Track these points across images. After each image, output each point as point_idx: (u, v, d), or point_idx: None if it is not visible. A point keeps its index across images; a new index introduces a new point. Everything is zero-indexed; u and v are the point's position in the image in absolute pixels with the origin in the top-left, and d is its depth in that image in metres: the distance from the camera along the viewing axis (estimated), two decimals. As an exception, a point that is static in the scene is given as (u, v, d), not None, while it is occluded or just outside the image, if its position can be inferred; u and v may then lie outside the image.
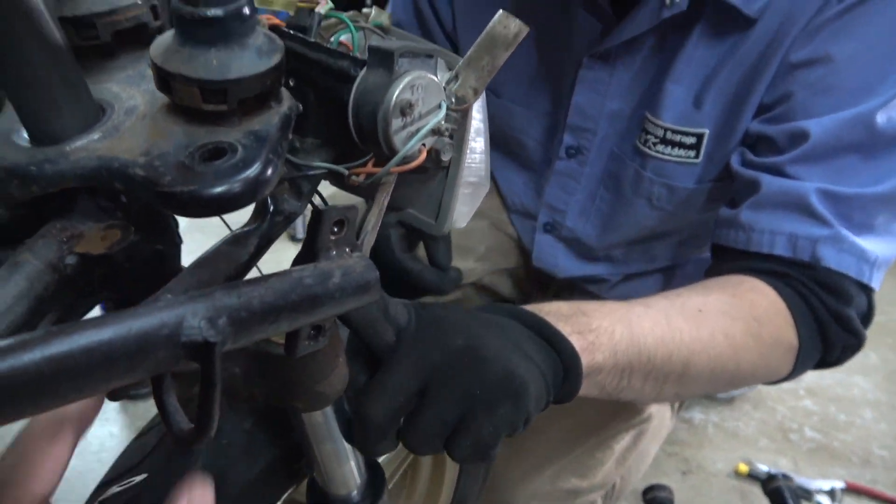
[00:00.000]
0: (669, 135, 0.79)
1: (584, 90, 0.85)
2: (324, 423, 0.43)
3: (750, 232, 0.71)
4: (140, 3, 0.39)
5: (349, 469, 0.48)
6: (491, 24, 0.38)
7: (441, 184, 0.47)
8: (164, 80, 0.32)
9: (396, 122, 0.35)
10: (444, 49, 0.42)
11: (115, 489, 0.44)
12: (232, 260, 0.37)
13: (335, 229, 0.32)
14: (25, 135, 0.33)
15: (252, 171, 0.31)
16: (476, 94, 0.40)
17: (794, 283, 0.68)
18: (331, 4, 0.44)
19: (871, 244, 0.67)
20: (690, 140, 0.79)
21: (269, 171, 0.31)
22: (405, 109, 0.35)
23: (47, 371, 0.21)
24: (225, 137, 0.32)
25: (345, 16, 0.42)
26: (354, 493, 0.49)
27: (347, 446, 0.46)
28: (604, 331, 0.55)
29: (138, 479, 0.46)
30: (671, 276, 1.02)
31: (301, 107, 0.41)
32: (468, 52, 0.39)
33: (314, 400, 0.40)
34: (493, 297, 1.07)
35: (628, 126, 0.85)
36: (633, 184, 0.86)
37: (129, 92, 0.36)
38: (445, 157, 0.44)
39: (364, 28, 0.44)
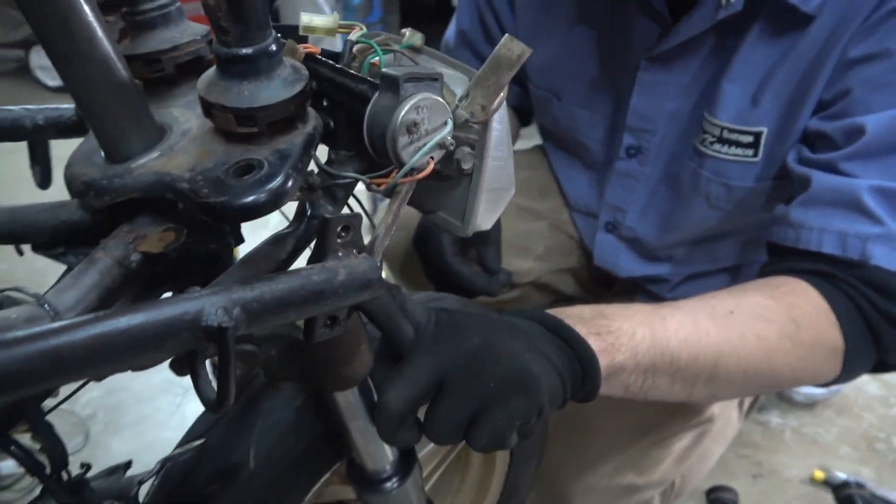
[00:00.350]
0: (726, 133, 0.79)
1: (642, 92, 0.86)
2: (353, 403, 0.49)
3: (799, 229, 0.70)
4: (199, 38, 0.46)
5: (380, 447, 0.53)
6: (497, 47, 0.42)
7: (466, 190, 0.51)
8: (207, 108, 0.38)
9: (403, 140, 0.39)
10: (468, 66, 0.46)
11: (177, 451, 0.51)
12: (272, 258, 0.43)
13: (342, 234, 0.37)
14: (103, 154, 0.41)
15: (274, 185, 0.36)
16: (484, 109, 0.43)
17: (840, 283, 0.66)
18: (364, 31, 0.49)
19: None
20: (748, 139, 0.78)
21: (289, 184, 0.37)
22: (410, 128, 0.39)
23: (95, 345, 0.28)
24: (255, 155, 0.38)
25: (373, 41, 0.47)
26: (387, 468, 0.54)
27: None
28: (624, 332, 0.57)
29: (196, 443, 0.53)
30: (736, 276, 1.00)
31: (332, 123, 0.46)
32: (477, 73, 0.43)
33: (340, 381, 0.45)
34: (554, 296, 1.09)
35: (688, 126, 0.85)
36: (691, 183, 0.86)
37: (187, 115, 0.43)
38: (466, 166, 0.48)
39: (394, 51, 0.48)
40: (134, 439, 1.22)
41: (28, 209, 0.46)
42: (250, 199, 0.36)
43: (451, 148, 0.41)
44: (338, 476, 0.63)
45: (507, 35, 0.42)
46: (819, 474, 1.15)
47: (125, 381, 1.37)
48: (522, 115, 1.09)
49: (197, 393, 0.33)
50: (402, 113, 0.38)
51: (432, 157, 0.41)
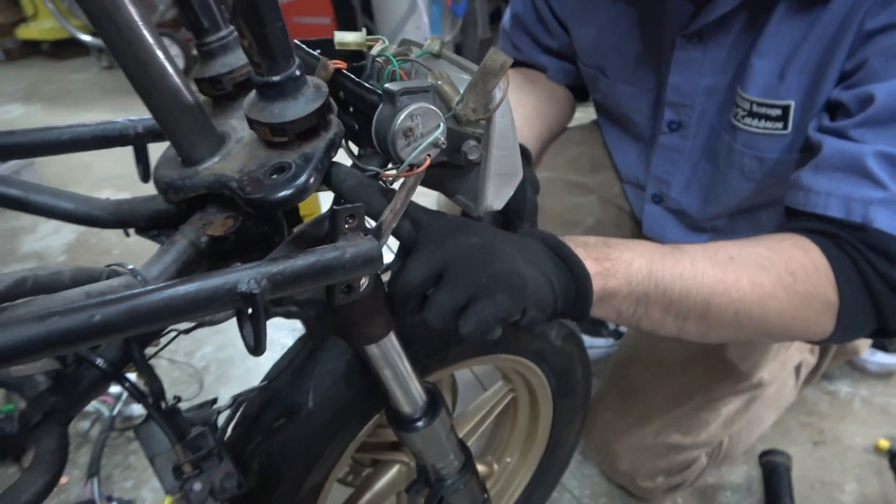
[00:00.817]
0: (756, 107, 0.81)
1: (679, 69, 0.89)
2: (380, 354, 0.59)
3: (808, 193, 0.71)
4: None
5: (409, 391, 0.63)
6: (485, 58, 0.49)
7: (477, 176, 0.60)
8: (249, 123, 0.49)
9: (401, 142, 0.48)
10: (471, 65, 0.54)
11: (247, 390, 0.64)
12: (313, 236, 0.54)
13: (348, 220, 0.47)
14: (179, 160, 0.53)
15: (299, 182, 0.47)
16: (475, 111, 0.52)
17: (843, 244, 0.68)
18: (385, 45, 0.58)
19: None
20: (776, 112, 0.80)
21: (311, 181, 0.47)
22: (407, 132, 0.48)
23: (166, 304, 0.39)
24: (286, 159, 0.48)
25: (390, 54, 0.56)
26: (417, 411, 0.65)
27: (404, 373, 0.61)
28: (622, 262, 0.62)
29: (260, 384, 0.66)
30: None
31: (356, 126, 0.56)
32: (469, 80, 0.51)
33: (362, 338, 0.56)
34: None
35: (724, 102, 0.88)
36: (726, 156, 0.89)
37: (242, 125, 0.54)
38: (473, 157, 0.57)
39: (411, 60, 0.57)
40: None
41: (130, 202, 0.60)
42: (280, 194, 0.46)
43: (444, 146, 0.50)
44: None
45: (492, 48, 0.49)
46: (884, 443, 1.14)
47: (234, 339, 1.56)
48: (577, 91, 1.14)
49: (243, 341, 0.45)
50: (399, 121, 0.48)
51: (429, 155, 0.50)
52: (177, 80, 0.48)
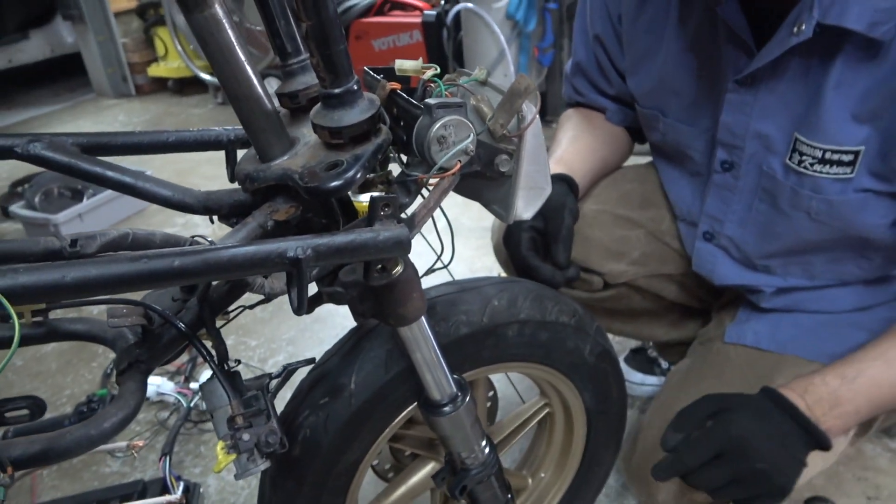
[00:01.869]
0: (828, 154, 0.85)
1: (730, 111, 0.94)
2: (412, 338, 0.66)
3: None
4: (323, 80, 0.68)
5: (438, 377, 0.70)
6: (513, 82, 0.58)
7: (509, 188, 0.68)
8: (314, 127, 0.59)
9: (435, 148, 0.57)
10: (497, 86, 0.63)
11: (295, 362, 0.73)
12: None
13: (384, 209, 0.55)
14: (258, 156, 0.63)
15: (348, 175, 0.56)
16: (503, 126, 0.60)
17: None
18: (436, 70, 0.67)
19: None
20: (848, 158, 0.84)
21: (359, 175, 0.56)
22: (441, 140, 0.57)
23: (231, 258, 0.49)
24: (340, 157, 0.58)
25: (438, 80, 0.65)
26: (445, 398, 0.71)
27: (434, 358, 0.68)
28: (854, 414, 0.83)
29: (307, 358, 0.75)
30: (834, 295, 1.02)
31: (405, 137, 0.66)
32: (500, 100, 0.60)
33: (397, 318, 0.64)
34: (655, 300, 1.18)
35: (776, 146, 0.91)
36: (791, 200, 0.92)
37: (310, 132, 0.64)
38: (504, 169, 0.65)
39: (457, 85, 0.66)
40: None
41: (217, 193, 0.71)
42: (332, 184, 0.56)
43: (472, 153, 0.58)
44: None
45: (519, 73, 0.58)
46: (944, 505, 1.09)
47: (304, 351, 1.68)
48: (634, 133, 1.20)
49: (290, 301, 0.54)
50: (434, 129, 0.57)
51: (460, 161, 0.59)
52: (260, 90, 0.59)
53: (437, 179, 0.62)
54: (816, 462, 1.11)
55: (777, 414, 0.82)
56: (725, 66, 0.93)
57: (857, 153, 0.83)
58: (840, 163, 0.84)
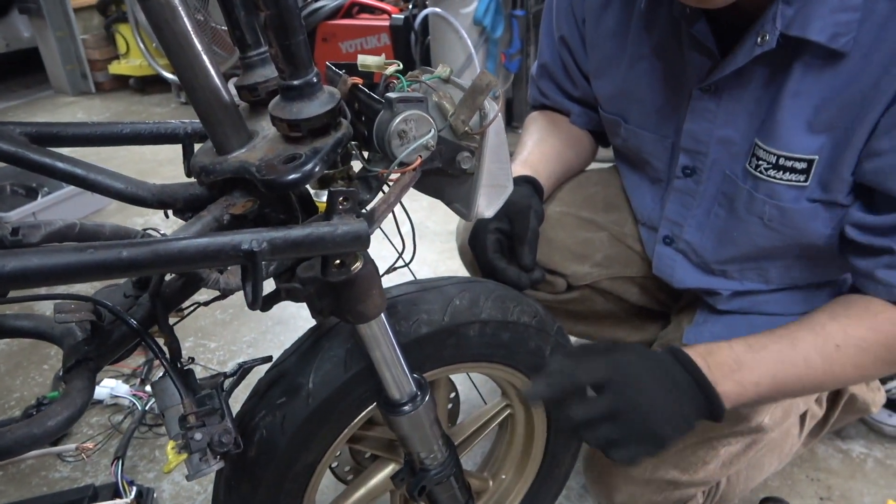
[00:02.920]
0: (782, 161, 0.86)
1: (694, 118, 0.95)
2: (371, 335, 0.65)
3: (890, 287, 0.82)
4: (284, 74, 0.67)
5: (397, 376, 0.69)
6: (474, 78, 0.58)
7: (471, 185, 0.67)
8: (273, 119, 0.58)
9: (395, 143, 0.57)
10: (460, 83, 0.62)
11: (250, 360, 0.72)
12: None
13: (343, 202, 0.55)
14: (214, 149, 0.62)
15: (306, 168, 0.55)
16: (464, 122, 0.59)
17: None
18: (399, 67, 0.67)
19: None
20: (802, 165, 0.85)
21: (317, 169, 0.55)
22: (401, 134, 0.56)
23: (183, 250, 0.48)
24: (299, 150, 0.57)
25: (401, 76, 0.65)
26: (405, 397, 0.71)
27: (393, 357, 0.67)
28: (753, 385, 0.79)
29: (265, 357, 0.73)
30: (790, 298, 1.04)
31: (366, 133, 0.65)
32: (462, 97, 0.59)
33: (357, 315, 0.63)
34: (618, 302, 1.19)
35: (738, 151, 0.93)
36: (746, 204, 0.93)
37: (270, 126, 0.63)
38: (466, 166, 0.65)
39: (420, 81, 0.66)
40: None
41: (172, 186, 0.70)
42: (289, 177, 0.55)
43: (433, 149, 0.58)
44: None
45: (481, 70, 0.58)
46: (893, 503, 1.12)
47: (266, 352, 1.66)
48: (599, 137, 1.21)
49: (245, 296, 0.53)
50: (395, 123, 0.56)
51: (420, 156, 0.58)
52: (217, 81, 0.58)
53: (397, 175, 0.61)
54: (772, 462, 1.14)
55: (675, 366, 0.78)
56: (689, 73, 0.94)
57: (810, 162, 0.85)
58: (794, 170, 0.86)
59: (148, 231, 0.57)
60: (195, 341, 1.73)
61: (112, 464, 1.18)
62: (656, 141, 1.05)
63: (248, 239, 0.50)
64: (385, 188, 0.66)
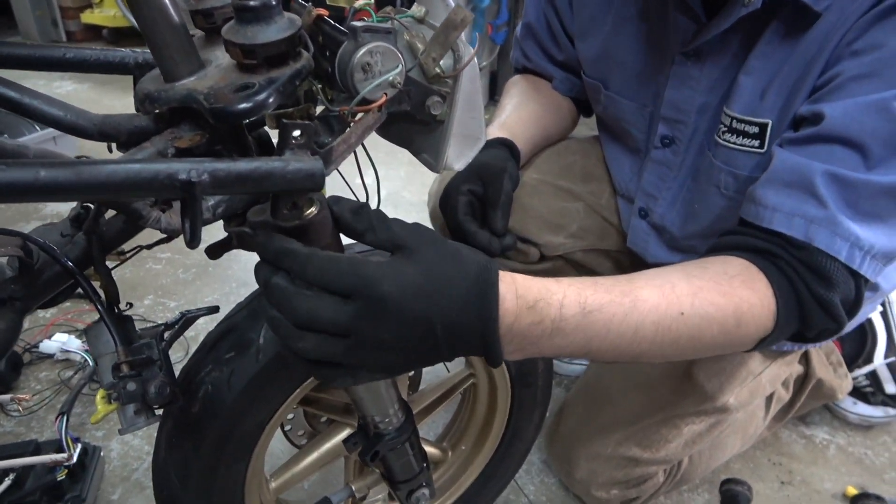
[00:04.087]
0: (735, 124, 0.83)
1: (675, 84, 0.92)
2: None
3: (758, 205, 0.73)
4: (243, 0, 0.61)
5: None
6: (448, 13, 0.53)
7: (441, 135, 0.63)
8: (226, 45, 0.53)
9: (359, 76, 0.52)
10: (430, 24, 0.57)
11: (195, 309, 0.67)
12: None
13: (296, 137, 0.50)
14: (161, 76, 0.57)
15: (258, 98, 0.50)
16: (435, 62, 0.55)
17: (783, 265, 0.69)
18: (369, 1, 0.62)
19: (870, 233, 0.66)
20: (754, 129, 0.82)
21: (270, 100, 0.50)
22: (365, 67, 0.52)
23: (113, 175, 0.43)
24: (252, 80, 0.52)
25: (370, 9, 0.60)
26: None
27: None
28: (556, 350, 0.60)
29: (210, 307, 0.69)
30: None
31: (330, 69, 0.60)
32: (433, 33, 0.55)
33: (309, 265, 0.58)
34: (588, 273, 1.16)
35: (714, 120, 0.90)
36: (706, 172, 0.91)
37: (224, 55, 0.58)
38: (436, 112, 0.60)
39: (391, 18, 0.61)
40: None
41: (115, 117, 0.64)
42: (239, 106, 0.50)
43: (399, 86, 0.53)
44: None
45: (455, 3, 0.53)
46: (852, 490, 1.11)
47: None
48: (581, 105, 1.17)
49: (183, 234, 0.48)
50: (359, 55, 0.51)
51: (385, 94, 0.53)
52: (168, 5, 0.52)
53: (360, 116, 0.56)
54: (735, 443, 1.13)
55: (471, 294, 0.54)
56: (673, 37, 0.91)
57: (763, 126, 0.81)
58: (746, 134, 0.83)
59: (83, 157, 0.52)
60: (154, 299, 1.67)
61: (56, 419, 1.13)
62: (635, 110, 1.01)
63: (187, 168, 0.45)
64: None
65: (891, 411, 1.26)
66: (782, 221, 0.69)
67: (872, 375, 1.27)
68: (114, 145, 0.64)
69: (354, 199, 0.74)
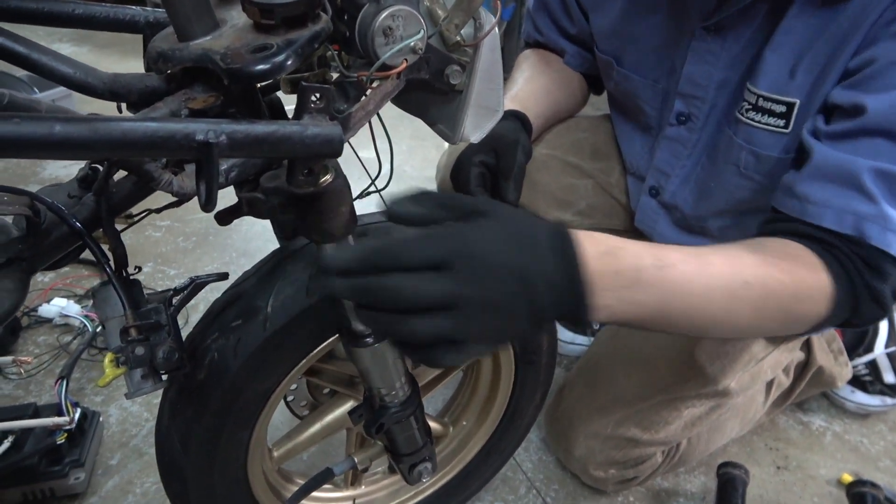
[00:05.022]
0: (762, 102, 0.82)
1: (694, 59, 0.90)
2: (336, 258, 0.61)
3: (803, 202, 0.72)
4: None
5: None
6: (472, -23, 0.51)
7: (458, 105, 0.62)
8: (243, 4, 0.51)
9: (379, 40, 0.50)
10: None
11: (204, 275, 0.66)
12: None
13: (315, 101, 0.49)
14: (176, 34, 0.55)
15: (277, 59, 0.49)
16: (457, 29, 0.53)
17: (841, 256, 0.69)
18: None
19: None
20: (781, 108, 0.81)
21: (289, 62, 0.49)
22: (386, 31, 0.50)
23: (129, 132, 0.42)
24: (270, 41, 0.50)
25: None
26: (369, 329, 0.66)
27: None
28: (635, 307, 0.59)
29: (220, 273, 0.68)
30: None
31: (348, 33, 0.58)
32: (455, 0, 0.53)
33: (323, 234, 0.58)
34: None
35: (735, 97, 0.88)
36: (725, 150, 0.89)
37: (241, 15, 0.56)
38: (455, 81, 0.59)
39: (412, -19, 0.59)
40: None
41: (126, 76, 0.62)
42: (257, 67, 0.48)
43: (421, 52, 0.52)
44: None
45: (478, -32, 0.51)
46: (847, 477, 1.12)
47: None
48: (593, 81, 1.15)
49: (198, 197, 0.47)
50: (381, 19, 0.50)
51: (406, 59, 0.52)
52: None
53: (378, 83, 0.55)
54: (734, 427, 1.13)
55: (555, 241, 0.57)
56: (692, 10, 0.89)
57: (790, 105, 0.80)
58: (772, 113, 0.82)
59: (95, 114, 0.51)
60: (154, 266, 1.66)
61: (56, 383, 1.13)
62: (648, 86, 1.00)
63: (204, 129, 0.44)
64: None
65: (888, 400, 1.26)
66: (832, 218, 0.70)
67: (872, 365, 1.27)
68: (123, 106, 0.64)
69: (362, 167, 0.73)
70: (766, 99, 0.81)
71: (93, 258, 0.60)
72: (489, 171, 0.89)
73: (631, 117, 1.07)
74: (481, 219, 0.54)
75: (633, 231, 1.11)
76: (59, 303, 1.44)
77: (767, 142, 0.83)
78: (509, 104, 1.01)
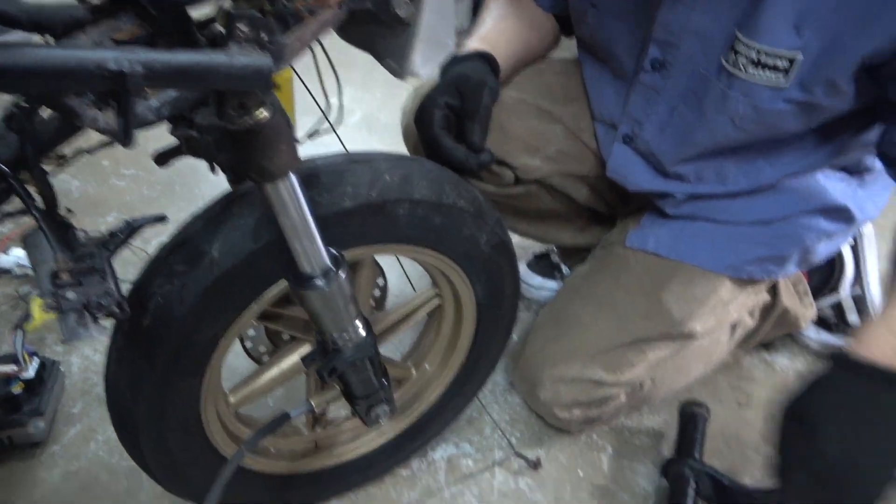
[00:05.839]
0: (763, 57, 0.79)
1: (670, 4, 0.87)
2: (279, 199, 0.58)
3: None
4: None
5: (309, 247, 0.62)
6: None
7: (407, 38, 0.59)
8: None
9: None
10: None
11: (140, 217, 0.64)
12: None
13: (243, 29, 0.46)
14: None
15: (200, -16, 0.45)
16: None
17: None
18: None
19: None
20: (783, 64, 0.79)
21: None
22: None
23: (25, 64, 0.39)
24: (193, -37, 0.47)
25: None
26: (317, 271, 0.64)
27: (305, 225, 0.60)
28: None
29: (159, 215, 0.66)
30: (740, 205, 1.00)
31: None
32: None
33: (261, 172, 0.55)
34: (564, 200, 1.14)
35: (716, 45, 0.85)
36: (717, 103, 0.87)
37: (167, -63, 0.52)
38: (400, 12, 0.56)
39: None
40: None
41: (50, 7, 0.58)
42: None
43: (361, -22, 0.49)
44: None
45: None
46: (807, 416, 1.15)
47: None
48: (564, 22, 1.11)
49: (116, 133, 0.44)
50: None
51: (343, -15, 0.49)
52: None
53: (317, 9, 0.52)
54: (698, 368, 1.14)
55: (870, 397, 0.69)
56: None
57: (792, 60, 0.78)
58: (774, 68, 0.80)
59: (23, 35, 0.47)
60: (117, 216, 1.62)
61: (12, 332, 1.11)
62: (625, 31, 0.96)
63: (118, 57, 0.41)
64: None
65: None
66: None
67: (837, 307, 1.28)
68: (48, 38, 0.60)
69: (317, 107, 0.70)
70: (768, 54, 0.79)
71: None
72: (454, 113, 0.86)
73: (603, 63, 1.04)
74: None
75: (602, 178, 1.09)
76: (18, 252, 1.40)
77: (765, 95, 0.81)
78: (477, 44, 0.97)
